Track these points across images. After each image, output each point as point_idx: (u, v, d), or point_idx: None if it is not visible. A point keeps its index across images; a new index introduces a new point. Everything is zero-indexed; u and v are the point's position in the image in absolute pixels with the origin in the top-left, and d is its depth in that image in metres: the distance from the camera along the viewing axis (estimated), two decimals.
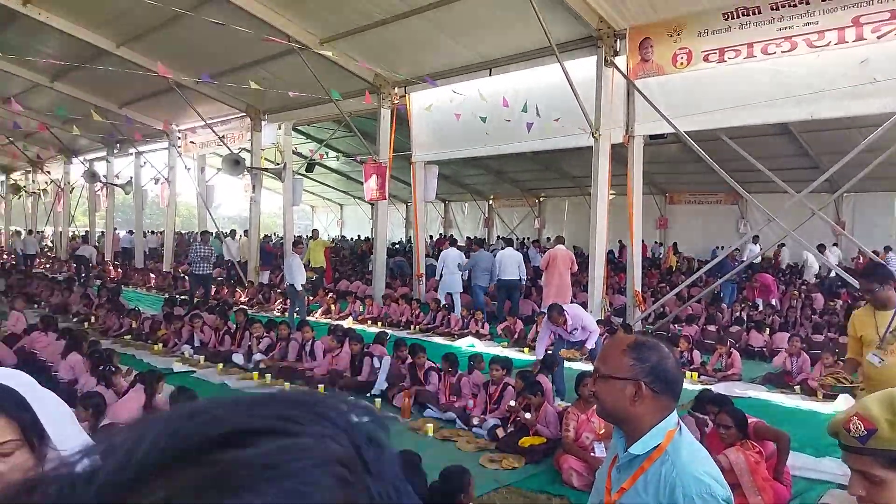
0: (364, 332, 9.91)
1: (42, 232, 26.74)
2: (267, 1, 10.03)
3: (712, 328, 10.53)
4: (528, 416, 5.32)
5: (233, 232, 19.80)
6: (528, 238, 24.87)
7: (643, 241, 19.98)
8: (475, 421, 5.88)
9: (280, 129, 15.44)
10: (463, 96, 10.29)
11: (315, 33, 10.90)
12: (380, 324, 11.75)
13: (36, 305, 12.93)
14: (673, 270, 17.62)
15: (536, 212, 25.54)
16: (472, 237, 22.48)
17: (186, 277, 16.88)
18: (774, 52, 7.85)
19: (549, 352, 6.97)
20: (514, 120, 10.33)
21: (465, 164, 20.50)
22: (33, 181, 24.79)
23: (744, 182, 10.72)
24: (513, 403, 5.43)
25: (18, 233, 23.63)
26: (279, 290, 13.95)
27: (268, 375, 7.73)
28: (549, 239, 22.39)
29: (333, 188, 29.58)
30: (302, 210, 35.33)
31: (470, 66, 11.10)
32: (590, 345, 6.93)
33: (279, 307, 13.50)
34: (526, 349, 9.39)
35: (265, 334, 8.69)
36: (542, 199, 25.49)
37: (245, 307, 12.32)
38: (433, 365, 6.85)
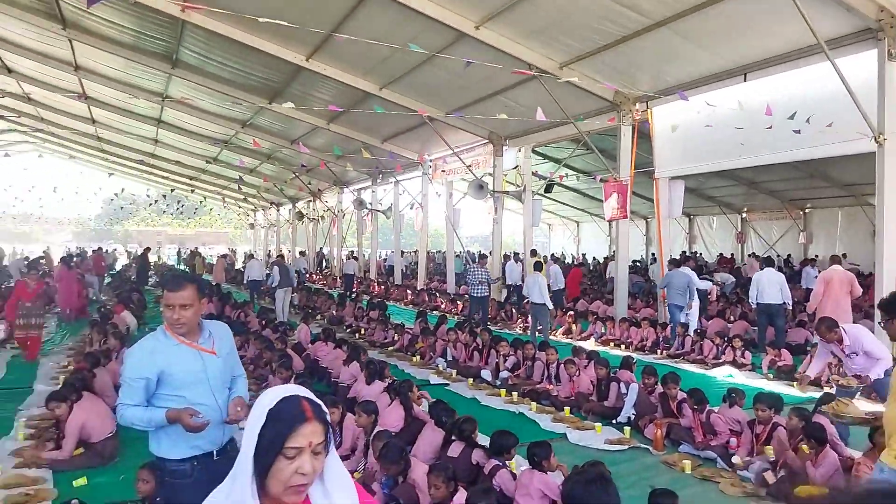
0: (607, 354, 9.74)
1: (320, 252, 31.02)
2: (510, 33, 10.48)
3: None
4: (805, 447, 4.73)
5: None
6: (790, 255, 22.30)
7: None
8: (737, 461, 5.42)
9: (520, 152, 15.97)
10: (714, 106, 9.64)
11: (555, 59, 11.12)
12: (623, 347, 11.44)
13: (317, 317, 14.96)
14: None
15: (801, 225, 22.77)
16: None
17: (438, 295, 18.19)
18: None
19: (828, 390, 6.12)
20: (776, 127, 9.39)
21: (713, 176, 19.09)
22: (314, 209, 28.88)
23: None
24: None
25: (303, 253, 27.69)
26: (523, 309, 14.32)
27: (514, 393, 7.98)
28: (816, 257, 19.84)
29: (570, 206, 29.63)
30: (538, 228, 35.97)
31: (720, 73, 10.40)
32: (874, 374, 5.81)
33: (521, 325, 13.89)
34: (795, 383, 8.39)
35: (511, 353, 8.99)
36: (807, 210, 22.66)
37: (489, 325, 12.88)
38: (686, 397, 6.45)
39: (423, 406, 6.46)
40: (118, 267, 30.32)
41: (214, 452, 3.04)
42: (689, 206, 23.30)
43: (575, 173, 21.32)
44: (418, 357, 10.43)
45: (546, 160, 20.86)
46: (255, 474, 1.46)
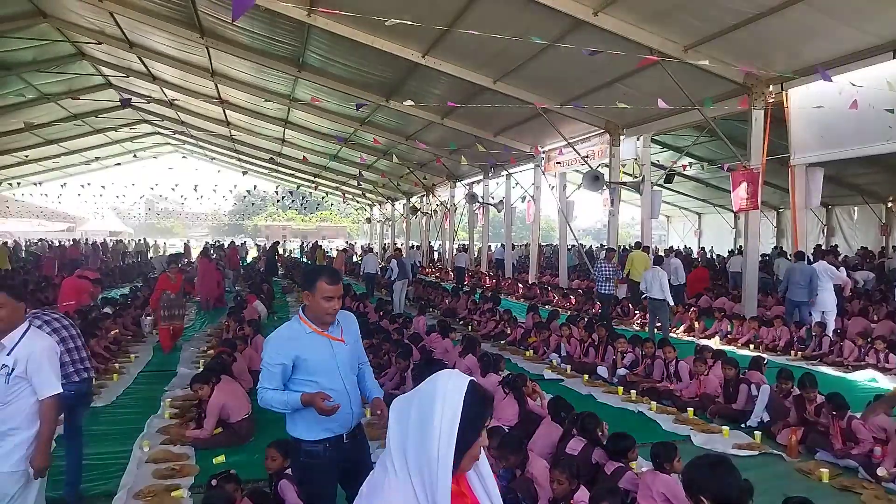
0: (734, 354, 9.21)
1: (431, 245, 31.63)
2: (630, 18, 10.10)
3: None
4: None
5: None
6: None
7: None
8: (882, 472, 4.95)
9: (639, 141, 15.40)
10: (859, 87, 8.79)
11: (678, 41, 10.60)
12: (752, 347, 10.77)
13: (431, 309, 15.25)
14: None
15: None
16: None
17: (550, 289, 17.97)
18: None
19: None
20: None
21: (854, 162, 17.43)
22: (427, 203, 29.44)
23: None
24: None
25: (417, 247, 28.33)
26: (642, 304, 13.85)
27: (633, 392, 7.74)
28: None
29: (691, 196, 28.21)
30: (656, 221, 34.56)
31: (865, 50, 9.46)
32: None
33: (638, 321, 13.43)
34: None
35: (629, 350, 8.72)
36: None
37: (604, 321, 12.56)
38: (824, 401, 5.97)
39: (537, 401, 6.41)
40: (249, 259, 32.51)
41: (344, 435, 3.22)
42: (827, 195, 21.46)
43: (697, 162, 20.28)
44: (531, 351, 10.38)
45: (665, 149, 19.99)
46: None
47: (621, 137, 15.40)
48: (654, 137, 16.49)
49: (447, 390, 1.61)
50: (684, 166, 19.30)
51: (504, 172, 21.19)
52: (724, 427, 6.29)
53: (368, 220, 43.22)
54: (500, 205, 21.80)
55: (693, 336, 12.00)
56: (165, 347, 10.56)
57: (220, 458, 5.51)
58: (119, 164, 33.60)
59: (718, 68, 10.72)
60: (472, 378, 1.69)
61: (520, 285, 19.87)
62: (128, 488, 4.95)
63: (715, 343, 10.89)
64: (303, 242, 44.36)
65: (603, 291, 12.94)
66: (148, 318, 11.93)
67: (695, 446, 5.93)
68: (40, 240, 34.55)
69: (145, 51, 16.53)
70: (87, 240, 37.36)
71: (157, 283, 11.23)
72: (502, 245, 25.55)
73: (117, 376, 8.76)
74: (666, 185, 19.58)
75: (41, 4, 14.02)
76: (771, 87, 11.24)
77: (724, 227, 28.59)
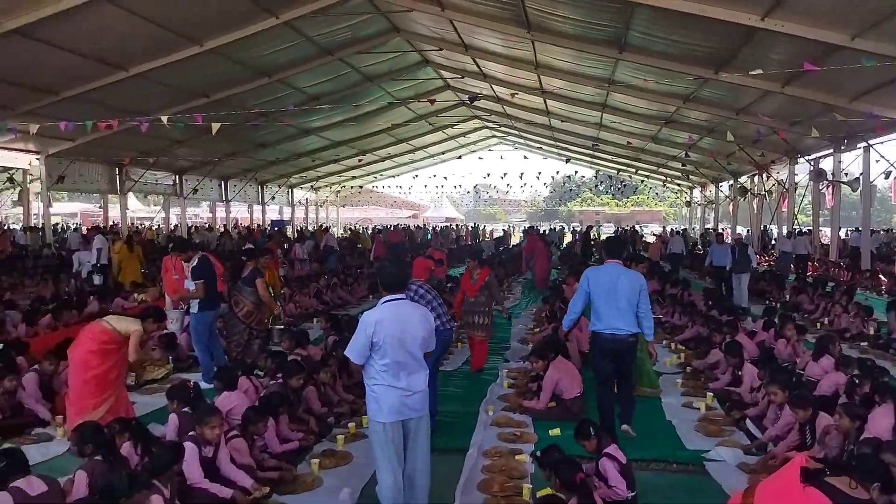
0: None
1: (747, 230, 28.49)
2: None
3: None
4: None
5: None
6: None
7: None
8: None
9: None
10: None
11: None
12: None
13: (768, 302, 13.76)
14: None
15: None
16: None
17: None
18: None
19: None
20: None
21: None
22: (759, 183, 26.47)
23: None
24: None
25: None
26: None
27: None
28: None
29: None
30: None
31: None
32: None
33: None
34: None
35: None
36: None
37: None
38: None
39: None
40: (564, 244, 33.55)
41: None
42: None
43: None
44: None
45: None
46: None
47: None
48: None
49: None
50: None
51: (862, 144, 17.92)
52: None
53: (688, 204, 40.78)
54: (856, 182, 18.50)
55: None
56: (472, 364, 8.60)
57: (556, 431, 5.78)
58: (460, 157, 37.62)
59: None
60: None
61: (882, 277, 16.71)
62: (477, 446, 5.52)
63: None
64: (617, 228, 44.04)
65: None
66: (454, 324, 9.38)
67: None
68: (395, 224, 40.46)
69: (478, 51, 18.07)
70: (426, 225, 42.76)
71: (460, 281, 9.69)
72: (857, 229, 21.77)
73: (461, 345, 9.82)
74: None
75: (395, 21, 16.34)
76: None
77: None
